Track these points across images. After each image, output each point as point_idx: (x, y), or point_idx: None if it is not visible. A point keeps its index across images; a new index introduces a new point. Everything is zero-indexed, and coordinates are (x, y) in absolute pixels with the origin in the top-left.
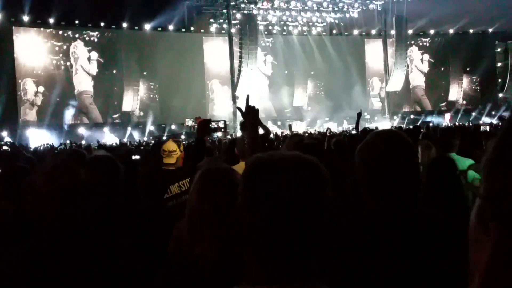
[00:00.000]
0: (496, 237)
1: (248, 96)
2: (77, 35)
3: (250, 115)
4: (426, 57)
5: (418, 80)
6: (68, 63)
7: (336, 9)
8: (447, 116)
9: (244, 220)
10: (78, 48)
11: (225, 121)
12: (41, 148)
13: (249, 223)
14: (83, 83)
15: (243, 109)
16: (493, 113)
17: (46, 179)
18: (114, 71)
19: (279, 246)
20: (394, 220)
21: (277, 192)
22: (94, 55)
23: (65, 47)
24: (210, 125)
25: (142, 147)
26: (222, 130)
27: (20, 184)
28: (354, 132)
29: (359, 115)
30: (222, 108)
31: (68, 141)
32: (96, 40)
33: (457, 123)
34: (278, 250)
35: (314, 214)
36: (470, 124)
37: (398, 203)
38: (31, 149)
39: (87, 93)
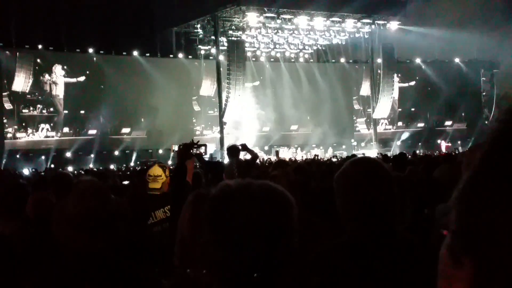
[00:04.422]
0: (470, 274)
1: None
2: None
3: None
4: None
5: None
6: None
7: (323, 36)
8: (443, 144)
9: (209, 246)
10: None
11: (205, 145)
12: (28, 173)
13: (213, 249)
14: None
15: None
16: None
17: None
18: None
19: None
20: (371, 246)
21: (241, 219)
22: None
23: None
24: (192, 150)
25: (129, 172)
26: (204, 154)
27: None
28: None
29: None
30: (209, 133)
31: (52, 166)
32: (84, 65)
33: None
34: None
35: (277, 240)
36: (457, 152)
37: (375, 229)
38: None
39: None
